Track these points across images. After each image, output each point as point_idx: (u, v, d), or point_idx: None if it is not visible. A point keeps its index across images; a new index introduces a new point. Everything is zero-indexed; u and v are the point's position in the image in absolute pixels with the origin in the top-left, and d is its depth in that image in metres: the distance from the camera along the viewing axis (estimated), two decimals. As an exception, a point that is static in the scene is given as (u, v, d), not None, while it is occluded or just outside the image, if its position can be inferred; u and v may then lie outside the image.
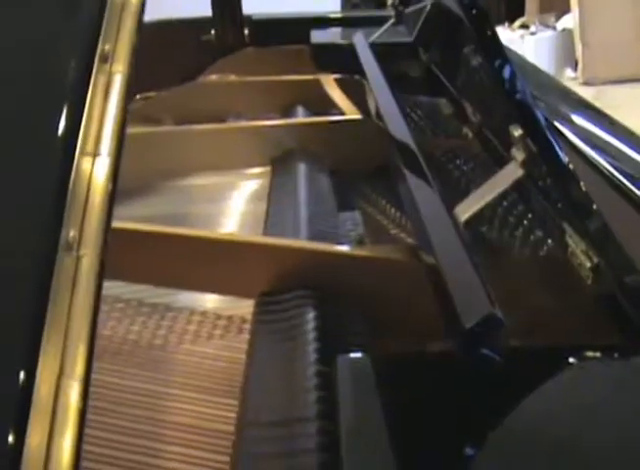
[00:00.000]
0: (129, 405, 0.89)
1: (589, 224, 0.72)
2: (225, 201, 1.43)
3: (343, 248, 1.02)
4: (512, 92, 0.81)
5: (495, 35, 0.74)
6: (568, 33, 5.78)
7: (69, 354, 0.48)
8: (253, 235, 1.10)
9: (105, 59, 0.59)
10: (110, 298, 1.06)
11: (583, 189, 0.72)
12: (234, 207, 1.42)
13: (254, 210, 1.38)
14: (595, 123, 1.43)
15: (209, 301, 1.06)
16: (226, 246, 1.02)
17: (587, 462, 0.65)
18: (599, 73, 5.60)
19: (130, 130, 1.65)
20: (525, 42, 5.81)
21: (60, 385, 0.47)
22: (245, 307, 1.03)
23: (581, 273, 0.79)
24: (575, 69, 5.77)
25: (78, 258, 0.52)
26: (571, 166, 0.74)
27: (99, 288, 0.53)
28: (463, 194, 1.16)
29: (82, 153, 0.55)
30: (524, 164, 0.82)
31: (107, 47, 0.59)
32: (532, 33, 5.84)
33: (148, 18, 2.15)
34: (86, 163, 0.55)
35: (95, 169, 0.56)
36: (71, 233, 0.52)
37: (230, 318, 1.02)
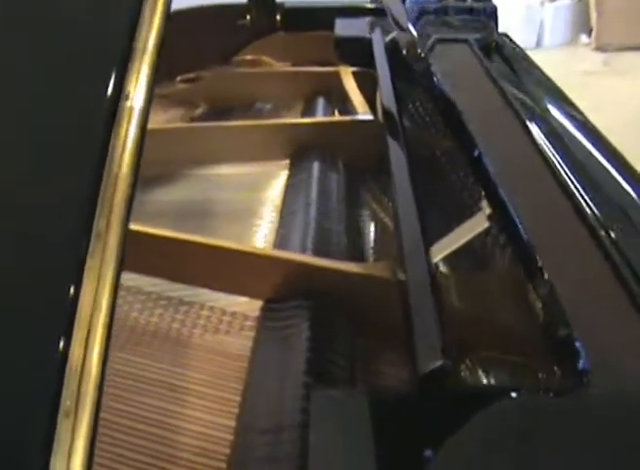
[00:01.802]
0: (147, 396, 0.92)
1: (537, 289, 0.72)
2: (244, 189, 1.45)
3: (337, 263, 1.02)
4: (481, 173, 0.78)
5: (466, 131, 0.71)
6: (584, 2, 5.61)
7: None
8: (258, 247, 1.11)
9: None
10: (133, 288, 1.09)
11: (537, 259, 0.71)
12: (251, 194, 1.43)
13: (270, 196, 1.40)
14: (569, 120, 1.40)
15: (217, 296, 1.07)
16: (234, 254, 1.03)
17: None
18: (611, 40, 5.44)
19: (167, 125, 1.67)
20: (545, 9, 5.65)
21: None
22: (246, 304, 1.05)
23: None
24: (590, 35, 5.61)
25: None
26: (525, 237, 0.72)
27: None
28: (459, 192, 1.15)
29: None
30: (489, 218, 0.81)
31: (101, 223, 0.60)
32: (552, 1, 5.66)
33: (195, 3, 2.13)
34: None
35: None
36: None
37: (234, 314, 1.04)
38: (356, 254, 1.19)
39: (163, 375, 0.95)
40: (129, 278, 1.10)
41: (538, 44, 5.66)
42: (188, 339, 1.01)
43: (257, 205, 1.39)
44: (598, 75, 4.97)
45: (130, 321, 1.04)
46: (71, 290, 0.56)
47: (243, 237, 1.29)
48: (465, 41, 1.80)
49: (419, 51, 0.62)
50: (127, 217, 0.64)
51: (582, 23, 5.66)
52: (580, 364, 0.69)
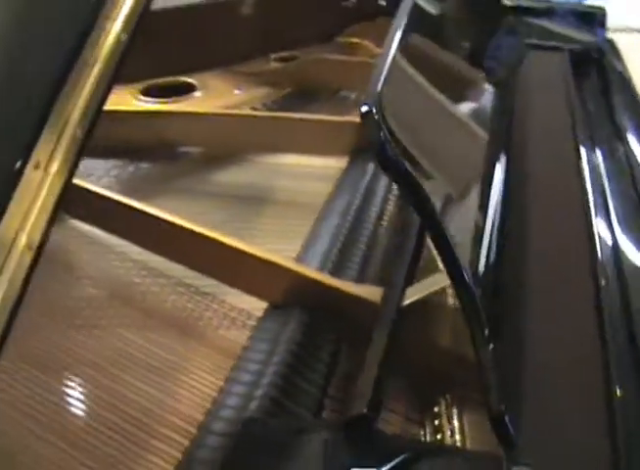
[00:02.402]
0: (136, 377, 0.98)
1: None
2: (303, 180, 1.47)
3: (333, 281, 1.02)
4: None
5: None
6: None
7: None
8: (267, 252, 1.12)
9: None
10: (155, 270, 1.15)
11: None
12: (307, 185, 1.45)
13: (324, 191, 1.41)
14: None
15: (230, 290, 1.10)
16: (247, 257, 1.06)
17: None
18: None
19: (235, 111, 1.69)
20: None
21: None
22: (253, 302, 1.07)
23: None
24: None
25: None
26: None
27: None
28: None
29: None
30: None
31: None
32: None
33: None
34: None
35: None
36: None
37: (241, 312, 1.07)
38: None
39: (158, 361, 1.00)
40: (154, 260, 1.16)
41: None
42: (191, 330, 1.05)
43: (312, 197, 1.41)
44: None
45: (145, 304, 1.09)
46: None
47: (287, 228, 1.32)
48: (560, 50, 1.72)
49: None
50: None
51: None
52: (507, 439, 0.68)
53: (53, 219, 0.59)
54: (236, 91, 1.81)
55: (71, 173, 0.60)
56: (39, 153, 0.58)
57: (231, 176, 1.50)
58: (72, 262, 1.20)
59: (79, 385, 0.96)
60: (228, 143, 1.54)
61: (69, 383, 0.96)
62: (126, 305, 1.09)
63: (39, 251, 0.57)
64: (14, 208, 0.58)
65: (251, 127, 1.55)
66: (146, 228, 1.15)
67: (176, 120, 1.56)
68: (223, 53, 1.85)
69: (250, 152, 1.54)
